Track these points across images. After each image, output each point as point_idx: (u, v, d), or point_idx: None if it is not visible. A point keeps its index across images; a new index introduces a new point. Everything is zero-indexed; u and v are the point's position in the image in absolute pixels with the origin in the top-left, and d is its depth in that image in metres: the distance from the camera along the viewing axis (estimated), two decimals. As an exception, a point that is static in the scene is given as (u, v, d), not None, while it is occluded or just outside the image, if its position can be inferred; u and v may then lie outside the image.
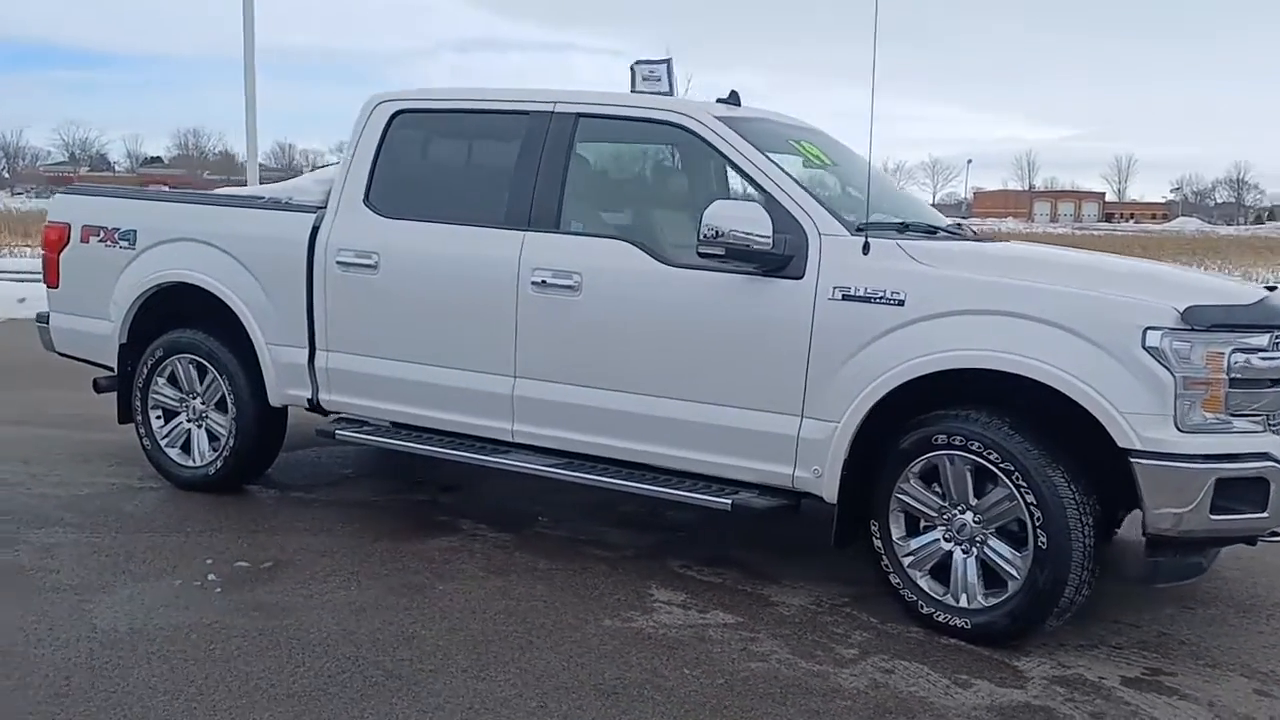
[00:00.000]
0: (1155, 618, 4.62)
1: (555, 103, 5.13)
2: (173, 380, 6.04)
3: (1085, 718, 3.70)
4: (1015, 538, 4.20)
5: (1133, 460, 3.96)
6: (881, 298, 4.33)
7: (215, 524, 5.44)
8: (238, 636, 4.10)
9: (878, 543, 4.47)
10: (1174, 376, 3.94)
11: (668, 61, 5.63)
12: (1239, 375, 4.01)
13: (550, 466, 5.02)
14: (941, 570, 4.38)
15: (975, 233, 5.53)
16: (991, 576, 4.27)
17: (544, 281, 4.92)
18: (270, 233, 5.67)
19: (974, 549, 4.29)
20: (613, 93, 5.16)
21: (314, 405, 5.70)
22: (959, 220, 5.74)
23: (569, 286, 4.88)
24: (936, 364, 4.21)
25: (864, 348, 4.36)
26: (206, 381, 5.92)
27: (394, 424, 5.51)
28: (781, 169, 4.70)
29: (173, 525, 5.40)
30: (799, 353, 4.47)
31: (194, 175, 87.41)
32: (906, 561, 4.42)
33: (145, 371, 6.04)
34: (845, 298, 4.40)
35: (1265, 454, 4.05)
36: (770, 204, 4.55)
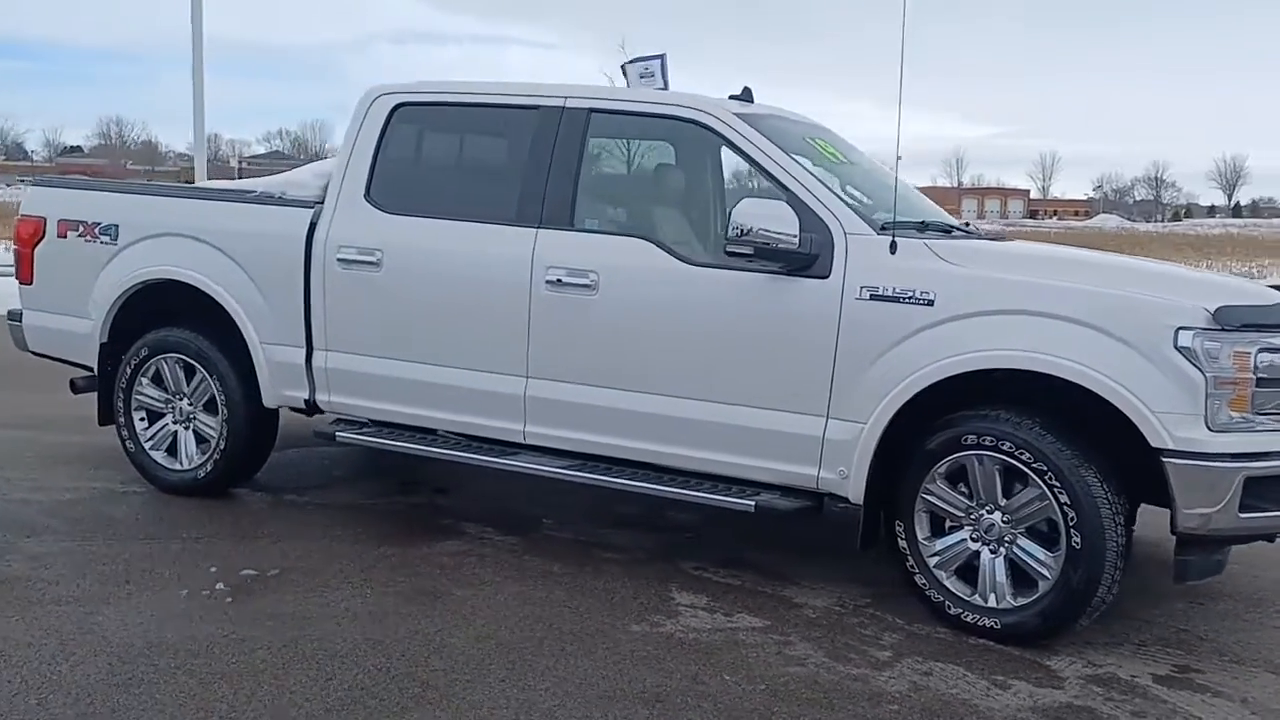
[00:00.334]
0: (1170, 614, 4.67)
1: (567, 97, 5.03)
2: (157, 381, 5.83)
3: (1127, 717, 3.71)
4: (1045, 538, 4.22)
5: (1165, 460, 3.99)
6: (911, 298, 4.31)
7: (211, 530, 5.26)
8: (261, 649, 3.95)
9: (903, 544, 4.46)
10: (1205, 376, 3.98)
11: (661, 57, 5.57)
12: (1265, 374, 4.05)
13: (563, 468, 4.92)
14: (968, 570, 4.38)
15: (983, 232, 5.54)
16: (1020, 576, 4.28)
17: (559, 280, 4.83)
18: (266, 229, 5.49)
19: (1002, 549, 4.29)
20: (626, 89, 5.07)
21: (311, 406, 5.54)
22: (967, 221, 5.75)
23: (585, 285, 4.80)
24: (969, 364, 4.20)
25: (893, 348, 4.33)
26: (195, 382, 5.72)
27: (395, 425, 5.36)
28: (803, 167, 4.66)
29: (167, 532, 5.21)
30: (825, 353, 4.43)
31: (116, 164, 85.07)
32: (933, 562, 4.41)
33: (128, 372, 5.82)
34: (874, 297, 4.37)
35: (1287, 452, 4.11)
36: (794, 203, 4.50)
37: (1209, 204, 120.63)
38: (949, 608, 4.36)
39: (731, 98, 5.11)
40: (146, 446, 5.85)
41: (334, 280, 5.30)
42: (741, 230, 4.38)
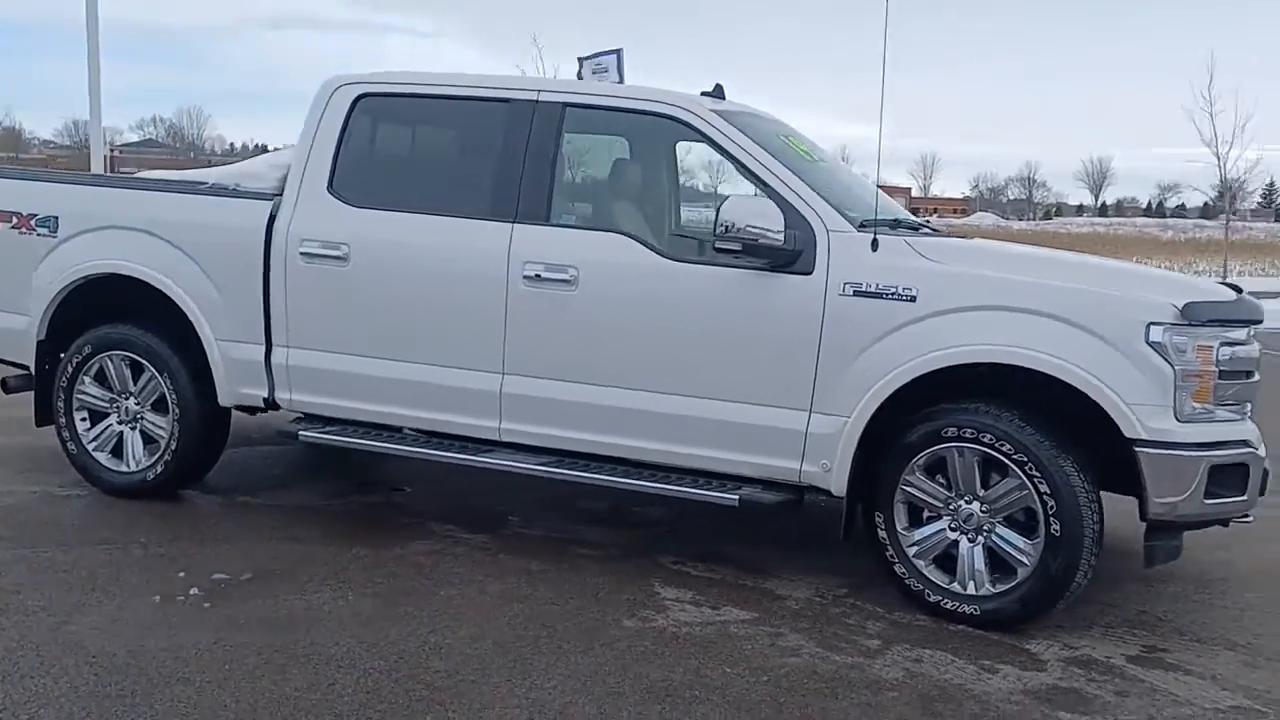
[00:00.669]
0: (1127, 596, 4.87)
1: (540, 91, 5.00)
2: (100, 379, 5.60)
3: (1112, 696, 3.88)
4: (1022, 526, 4.36)
5: (1137, 450, 4.17)
6: (894, 294, 4.41)
7: (169, 534, 5.08)
8: (253, 655, 3.84)
9: (882, 534, 4.56)
10: (1174, 369, 4.17)
11: (617, 52, 5.58)
12: (1226, 367, 4.27)
13: (541, 465, 4.90)
14: (946, 559, 4.50)
15: (945, 230, 5.68)
16: (997, 564, 4.42)
17: (537, 275, 4.80)
18: (221, 221, 5.31)
19: (980, 537, 4.42)
20: (600, 84, 5.05)
21: (269, 404, 5.39)
22: (926, 218, 5.89)
23: (564, 280, 4.78)
24: (953, 358, 4.32)
25: (876, 343, 4.43)
26: (143, 380, 5.51)
27: (361, 423, 5.25)
28: (783, 164, 4.71)
29: (122, 536, 5.02)
30: (809, 348, 4.50)
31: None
32: (911, 552, 4.53)
33: (69, 370, 5.58)
34: (857, 293, 4.46)
35: (1245, 441, 4.34)
36: (777, 200, 4.56)
37: (1077, 203, 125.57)
38: (928, 595, 4.48)
39: (703, 94, 5.14)
40: (89, 448, 5.61)
41: (296, 275, 5.16)
42: (728, 227, 4.42)
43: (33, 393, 5.75)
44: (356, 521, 5.43)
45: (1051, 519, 4.22)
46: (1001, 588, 4.38)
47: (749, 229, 4.41)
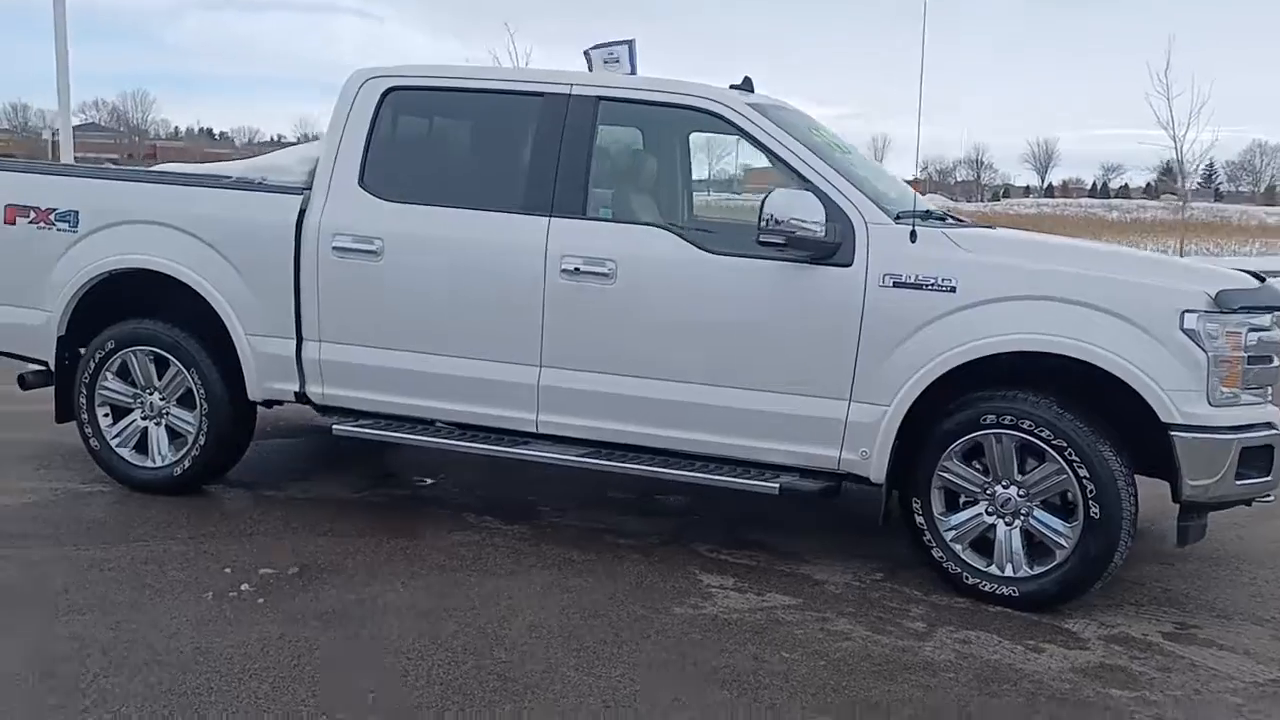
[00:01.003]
0: (1148, 575, 5.02)
1: (572, 84, 5.03)
2: (124, 375, 5.55)
3: (1156, 672, 4.02)
4: (1059, 509, 4.49)
5: (1173, 434, 4.31)
6: (933, 284, 4.51)
7: (205, 530, 5.08)
8: (319, 650, 3.87)
9: (920, 520, 4.67)
10: (1207, 355, 4.31)
11: (629, 43, 5.60)
12: (1253, 352, 4.42)
13: (580, 457, 4.95)
14: (982, 543, 4.62)
15: (970, 221, 5.78)
16: (1034, 547, 4.54)
17: (576, 269, 4.83)
18: (251, 216, 5.29)
19: (1018, 521, 4.54)
20: (633, 77, 5.08)
21: (300, 399, 5.38)
22: (948, 209, 5.99)
23: (603, 274, 4.82)
24: (993, 347, 4.43)
25: (916, 333, 4.52)
26: (168, 375, 5.48)
27: (394, 417, 5.27)
28: (819, 158, 4.79)
29: (159, 533, 5.00)
30: (849, 339, 4.59)
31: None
32: (949, 536, 4.64)
33: (91, 366, 5.53)
34: (897, 285, 4.54)
35: (1270, 423, 4.49)
36: (816, 193, 4.63)
37: (1024, 184, 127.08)
38: (966, 578, 4.60)
39: (732, 87, 5.19)
40: (113, 444, 5.57)
41: (328, 269, 5.16)
42: (773, 220, 4.49)
43: (51, 389, 5.69)
44: (389, 514, 5.44)
45: (1091, 502, 4.34)
46: (1039, 569, 4.50)
47: (792, 222, 4.48)
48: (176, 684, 3.57)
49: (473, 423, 5.13)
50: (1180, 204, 28.21)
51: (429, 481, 6.07)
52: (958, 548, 4.63)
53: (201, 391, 5.40)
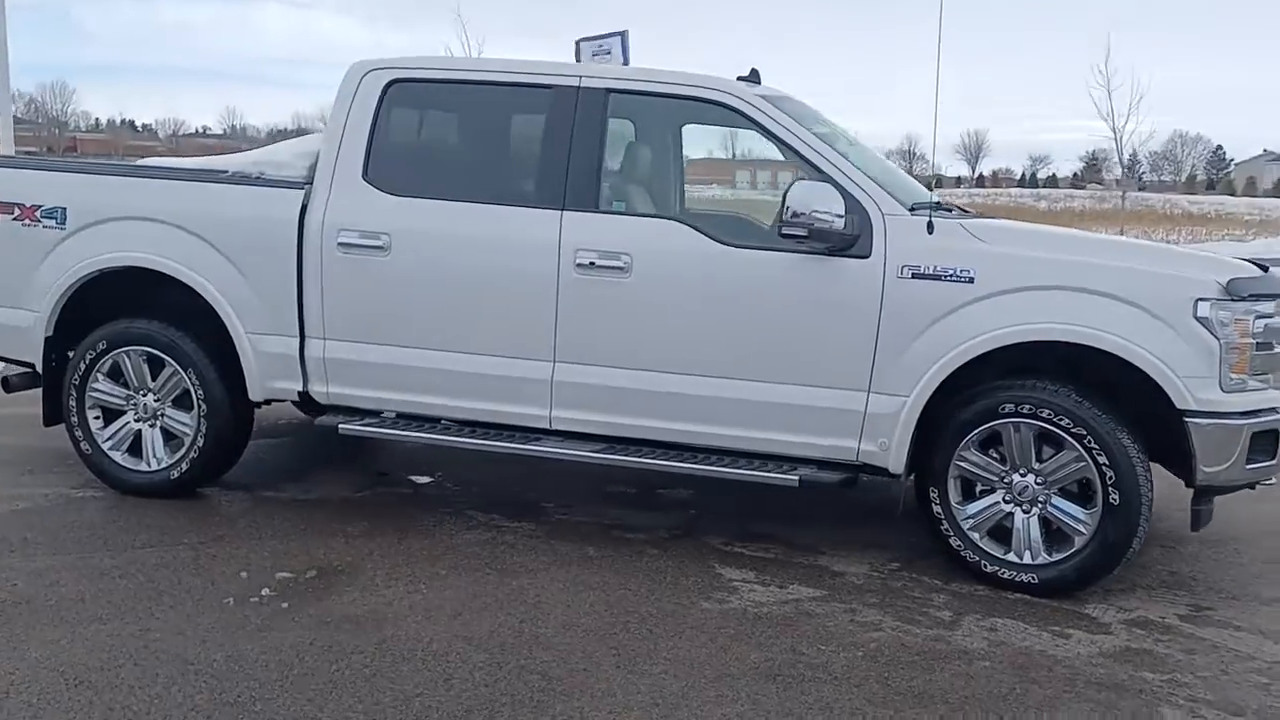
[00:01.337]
0: (1153, 559, 5.11)
1: (581, 76, 4.98)
2: (115, 376, 5.40)
3: (1182, 654, 4.10)
4: (1076, 496, 4.56)
5: (1188, 420, 4.39)
6: (952, 275, 4.54)
7: (210, 533, 4.96)
8: (356, 654, 3.80)
9: (937, 509, 4.71)
10: (1219, 342, 4.40)
11: (622, 34, 5.57)
12: (1260, 339, 4.52)
13: (596, 452, 4.91)
14: (1000, 531, 4.68)
15: (974, 212, 5.83)
16: (1052, 533, 4.60)
17: (591, 263, 4.80)
18: (250, 211, 5.17)
19: (1035, 509, 4.60)
20: (642, 68, 5.05)
21: (303, 398, 5.28)
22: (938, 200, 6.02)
23: (618, 268, 4.79)
24: (1011, 337, 4.47)
25: (935, 324, 4.55)
26: (164, 376, 5.33)
27: (403, 415, 5.19)
28: (834, 150, 4.80)
29: (165, 539, 4.87)
30: (868, 330, 4.61)
31: None
32: (967, 525, 4.68)
33: (82, 367, 5.36)
34: (915, 276, 4.57)
35: (1274, 408, 4.60)
36: (833, 185, 4.63)
37: (956, 175, 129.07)
38: (985, 566, 4.65)
39: (739, 79, 5.18)
40: (105, 447, 5.42)
41: (333, 265, 5.06)
42: (795, 213, 4.49)
43: (39, 391, 5.51)
44: (394, 513, 5.36)
45: (1110, 489, 4.41)
46: (1058, 556, 4.57)
47: (814, 214, 4.48)
48: (217, 693, 3.48)
49: (485, 420, 5.07)
50: (1121, 194, 28.82)
51: (427, 480, 5.99)
52: (975, 536, 4.68)
53: (200, 392, 5.26)
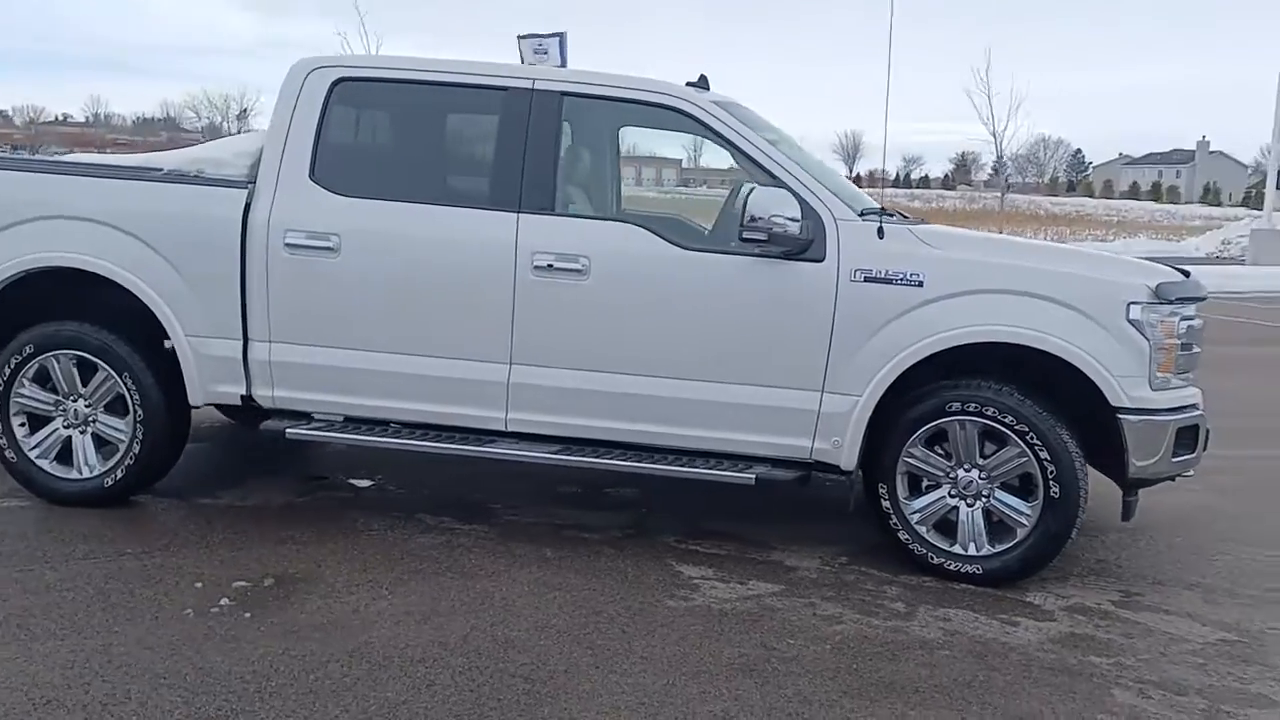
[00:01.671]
0: (1080, 548, 5.34)
1: (535, 79, 4.98)
2: (41, 381, 5.19)
3: (1122, 638, 4.33)
4: (1018, 490, 4.76)
5: (1121, 417, 4.64)
6: (902, 279, 4.70)
7: (153, 543, 4.81)
8: (333, 663, 3.75)
9: (886, 504, 4.87)
10: (1149, 343, 4.65)
11: (560, 35, 5.59)
12: (1184, 340, 4.80)
13: (553, 454, 4.93)
14: (945, 524, 4.86)
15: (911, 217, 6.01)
16: (995, 526, 4.80)
17: (549, 265, 4.81)
18: (190, 210, 5.02)
19: (979, 502, 4.80)
20: (597, 71, 5.07)
21: (246, 402, 5.16)
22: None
23: (576, 270, 4.81)
24: (959, 339, 4.65)
25: (886, 325, 4.71)
26: (95, 381, 5.15)
27: (355, 419, 5.12)
28: (787, 156, 4.91)
29: (105, 549, 4.71)
30: (822, 332, 4.74)
31: None
32: (914, 519, 4.86)
33: (6, 373, 5.14)
34: (868, 279, 4.71)
35: (1195, 405, 4.89)
36: (788, 191, 4.74)
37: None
38: (932, 558, 4.83)
39: (688, 84, 5.24)
40: (31, 455, 5.20)
41: (280, 267, 4.96)
42: (754, 217, 4.58)
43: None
44: (341, 518, 5.27)
45: (1052, 482, 4.63)
46: (1001, 547, 4.77)
47: (773, 219, 4.58)
48: (194, 708, 3.40)
49: (440, 422, 5.03)
50: (1000, 195, 29.88)
51: (368, 483, 5.90)
52: (922, 529, 4.85)
53: (135, 397, 5.10)
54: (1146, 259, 6.06)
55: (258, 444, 6.54)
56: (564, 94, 4.96)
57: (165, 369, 5.10)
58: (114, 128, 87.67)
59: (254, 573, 4.51)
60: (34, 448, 5.21)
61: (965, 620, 4.43)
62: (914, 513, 4.86)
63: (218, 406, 5.36)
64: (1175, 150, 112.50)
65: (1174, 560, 5.32)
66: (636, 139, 6.85)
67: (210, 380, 5.10)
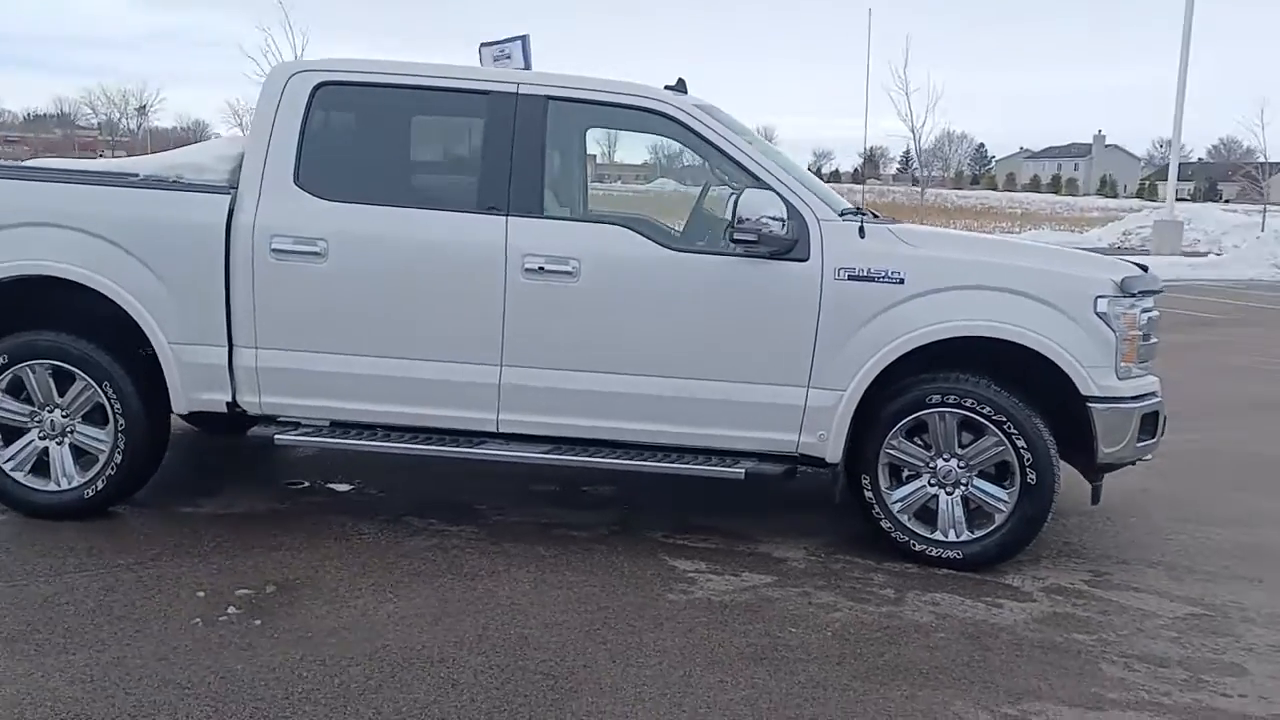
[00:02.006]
0: (1047, 532, 5.53)
1: (519, 83, 5.04)
2: (15, 392, 5.09)
3: (1099, 616, 4.56)
4: (994, 478, 4.97)
5: (1091, 405, 4.87)
6: (884, 277, 4.87)
7: (144, 553, 4.76)
8: (352, 666, 3.78)
9: (869, 494, 5.04)
10: (1115, 335, 4.90)
11: (523, 39, 5.66)
12: (1145, 331, 5.06)
13: (545, 454, 5.00)
14: (925, 512, 5.05)
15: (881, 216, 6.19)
16: (973, 512, 5.01)
17: (540, 268, 4.87)
18: (172, 217, 4.97)
19: (957, 490, 4.99)
20: (581, 75, 5.14)
21: (232, 409, 5.12)
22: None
23: (567, 272, 4.88)
24: (940, 333, 4.84)
25: (868, 322, 4.87)
26: (73, 391, 5.06)
27: (343, 424, 5.12)
28: (770, 158, 5.04)
29: (96, 561, 4.65)
30: (808, 329, 4.88)
31: None
32: (896, 508, 5.03)
33: (-21, 384, 5.03)
34: (851, 278, 4.87)
35: (1154, 393, 5.15)
36: (773, 192, 4.88)
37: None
38: (913, 545, 5.01)
39: (667, 88, 5.34)
40: (7, 468, 5.10)
41: (266, 272, 4.93)
42: (743, 219, 4.71)
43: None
44: (328, 523, 5.26)
45: (1028, 469, 4.85)
46: (980, 533, 4.97)
47: (762, 220, 4.71)
48: (225, 716, 3.41)
49: (430, 425, 5.06)
50: (921, 190, 30.60)
51: (347, 487, 5.90)
52: (904, 518, 5.03)
53: (116, 406, 5.03)
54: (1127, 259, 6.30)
55: (224, 451, 6.49)
56: (549, 98, 5.02)
57: (145, 377, 5.04)
58: (4, 124, 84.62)
59: (254, 580, 4.50)
60: (8, 460, 5.11)
61: (953, 604, 4.61)
62: (895, 502, 5.03)
63: (182, 415, 5.30)
64: (1073, 144, 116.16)
65: (1133, 540, 5.59)
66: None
67: (194, 388, 5.05)
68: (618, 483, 6.04)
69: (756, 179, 4.94)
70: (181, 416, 5.36)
